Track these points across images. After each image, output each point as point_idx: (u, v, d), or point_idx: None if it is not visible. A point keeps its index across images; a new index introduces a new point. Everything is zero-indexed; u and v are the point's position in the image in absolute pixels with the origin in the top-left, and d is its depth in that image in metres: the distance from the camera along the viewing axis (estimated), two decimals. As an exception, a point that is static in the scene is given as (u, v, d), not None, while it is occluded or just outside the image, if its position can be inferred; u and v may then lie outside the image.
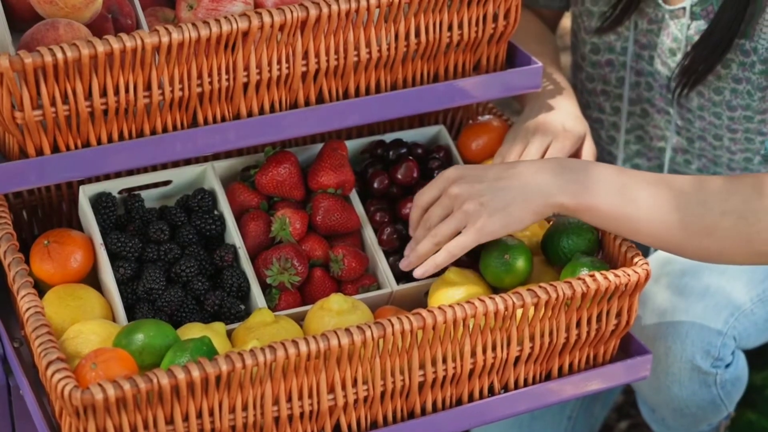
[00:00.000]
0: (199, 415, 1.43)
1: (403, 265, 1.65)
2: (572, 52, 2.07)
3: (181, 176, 1.74)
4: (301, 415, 1.49)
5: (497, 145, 1.84)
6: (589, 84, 2.04)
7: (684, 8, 1.86)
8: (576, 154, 1.79)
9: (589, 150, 1.80)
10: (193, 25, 1.50)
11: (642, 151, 2.04)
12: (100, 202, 1.68)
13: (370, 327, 1.46)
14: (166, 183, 1.74)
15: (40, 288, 1.66)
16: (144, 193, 1.73)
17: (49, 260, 1.62)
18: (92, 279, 1.67)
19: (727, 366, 1.84)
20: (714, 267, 1.87)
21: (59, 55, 1.44)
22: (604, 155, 2.10)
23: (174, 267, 1.64)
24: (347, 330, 1.46)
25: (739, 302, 1.85)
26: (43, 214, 1.81)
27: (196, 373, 1.39)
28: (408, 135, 1.86)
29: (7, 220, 1.63)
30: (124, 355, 1.44)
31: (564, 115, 1.80)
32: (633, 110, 2.01)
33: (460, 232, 1.60)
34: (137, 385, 1.37)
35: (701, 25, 1.84)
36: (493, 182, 1.59)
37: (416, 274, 1.62)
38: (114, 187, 1.70)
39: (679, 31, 1.87)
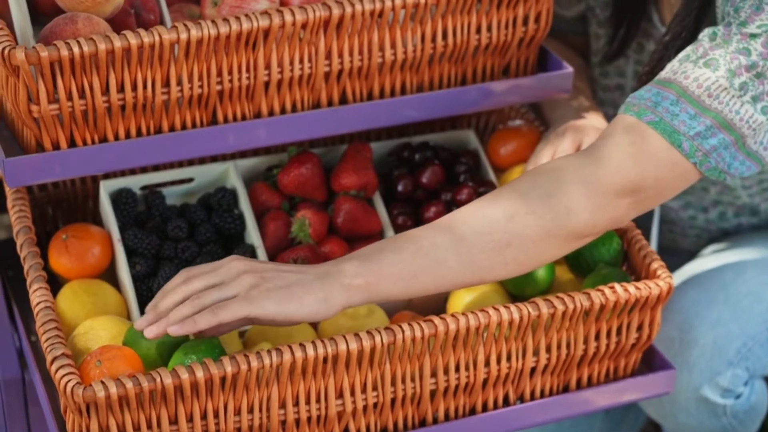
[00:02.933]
0: (204, 416, 1.42)
1: (139, 325, 1.41)
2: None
3: (203, 174, 1.73)
4: (309, 419, 1.47)
5: (526, 150, 1.82)
6: (601, 109, 2.00)
7: None
8: None
9: None
10: (213, 22, 1.49)
11: None
12: (120, 198, 1.67)
13: (380, 332, 1.44)
14: (189, 180, 1.73)
15: (60, 282, 1.66)
16: (167, 191, 1.72)
17: (67, 255, 1.62)
18: (111, 275, 1.67)
19: (738, 396, 1.79)
20: (733, 291, 1.82)
21: (75, 50, 1.43)
22: None
23: (190, 265, 1.63)
24: (356, 335, 1.43)
25: (753, 332, 1.78)
26: (69, 209, 1.81)
27: (200, 374, 1.38)
28: (436, 138, 1.84)
29: (27, 213, 1.63)
30: (130, 354, 1.43)
31: (592, 120, 1.77)
32: None
33: None
34: (140, 384, 1.36)
35: None
36: (277, 266, 1.43)
37: (171, 331, 1.37)
38: (135, 183, 1.70)
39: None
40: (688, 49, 1.55)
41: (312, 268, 1.44)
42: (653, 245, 1.99)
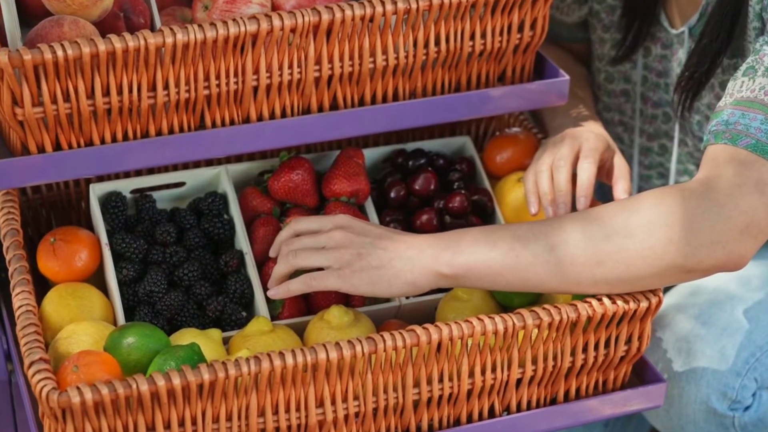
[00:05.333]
0: (182, 423, 1.41)
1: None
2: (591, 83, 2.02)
3: (194, 178, 1.72)
4: (289, 428, 1.46)
5: (523, 158, 1.80)
6: (607, 114, 1.98)
7: (684, 31, 1.80)
8: (608, 165, 1.73)
9: (621, 162, 1.73)
10: (200, 26, 1.47)
11: None
12: (109, 202, 1.66)
13: (360, 341, 1.43)
14: (180, 185, 1.72)
15: (51, 285, 1.65)
16: (158, 195, 1.71)
17: (54, 258, 1.62)
18: (100, 279, 1.66)
19: (747, 408, 1.76)
20: (739, 301, 1.79)
21: (59, 53, 1.42)
22: None
23: (177, 270, 1.62)
24: (337, 344, 1.42)
25: (760, 342, 1.75)
26: (62, 211, 1.81)
27: (176, 381, 1.37)
28: (432, 145, 1.82)
29: (15, 216, 1.63)
30: (108, 359, 1.42)
31: (591, 128, 1.75)
32: (651, 146, 1.95)
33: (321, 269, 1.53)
34: (116, 390, 1.35)
35: None
36: (376, 240, 1.51)
37: (269, 293, 1.56)
38: (125, 186, 1.69)
39: (683, 55, 1.81)
40: (752, 62, 1.54)
41: (407, 246, 1.50)
42: None
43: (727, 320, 1.77)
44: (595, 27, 1.93)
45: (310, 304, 1.65)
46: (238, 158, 1.79)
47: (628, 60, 1.89)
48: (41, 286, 1.65)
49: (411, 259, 1.49)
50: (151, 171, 1.77)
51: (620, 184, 1.70)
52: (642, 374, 1.63)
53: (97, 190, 1.67)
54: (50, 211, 1.81)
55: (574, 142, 1.71)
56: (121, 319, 1.58)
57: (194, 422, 1.41)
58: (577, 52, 2.00)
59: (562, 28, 1.97)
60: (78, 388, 1.35)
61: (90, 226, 1.72)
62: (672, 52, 1.85)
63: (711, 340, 1.75)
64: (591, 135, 1.72)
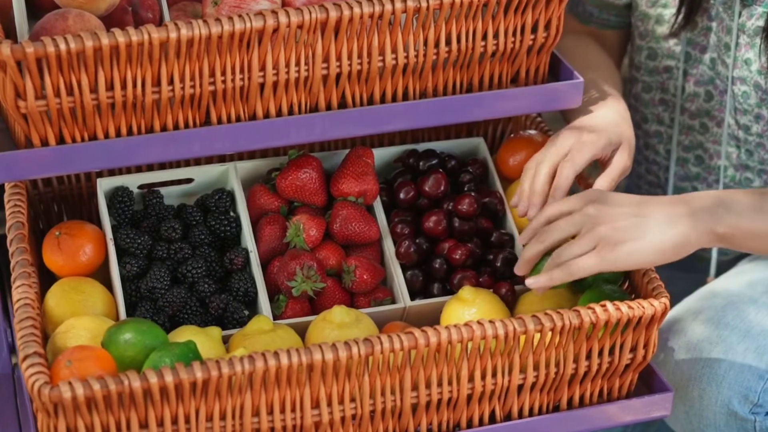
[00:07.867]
0: (175, 421, 1.40)
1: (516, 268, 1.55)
2: (628, 67, 1.98)
3: (203, 175, 1.71)
4: (284, 428, 1.44)
5: (536, 160, 1.77)
6: (646, 95, 1.95)
7: None
8: (607, 162, 1.69)
9: (618, 159, 1.66)
10: (205, 21, 1.46)
11: (702, 174, 1.94)
12: (116, 196, 1.66)
13: (357, 343, 1.41)
14: (188, 181, 1.71)
15: (57, 279, 1.65)
16: (166, 190, 1.71)
17: (59, 252, 1.61)
18: (106, 274, 1.65)
19: None
20: (762, 305, 1.76)
21: (62, 46, 1.41)
22: (660, 172, 2.00)
23: (181, 267, 1.61)
24: (333, 345, 1.40)
25: None
26: (73, 205, 1.81)
27: (169, 379, 1.36)
28: (445, 146, 1.80)
29: (21, 209, 1.63)
30: (103, 355, 1.41)
31: (605, 118, 1.69)
32: (693, 124, 1.91)
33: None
34: (108, 387, 1.35)
35: (753, 10, 1.75)
36: (634, 208, 1.48)
37: (528, 283, 1.51)
38: (133, 182, 1.68)
39: (731, 21, 1.78)
40: None
41: (672, 206, 1.48)
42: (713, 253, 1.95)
43: (749, 323, 1.74)
44: (638, 4, 1.91)
45: (314, 305, 1.63)
46: (250, 155, 1.78)
47: (686, 28, 1.85)
48: (50, 279, 1.65)
49: (678, 218, 1.47)
50: (161, 166, 1.76)
51: (602, 179, 1.65)
52: (649, 383, 1.60)
53: (104, 185, 1.67)
54: (61, 204, 1.80)
55: (569, 137, 1.66)
56: (122, 314, 1.58)
57: (187, 420, 1.40)
58: (608, 40, 1.98)
59: (610, 12, 1.94)
60: (69, 383, 1.34)
61: (98, 221, 1.72)
62: (718, 22, 1.82)
63: (733, 343, 1.72)
64: (605, 126, 1.67)
